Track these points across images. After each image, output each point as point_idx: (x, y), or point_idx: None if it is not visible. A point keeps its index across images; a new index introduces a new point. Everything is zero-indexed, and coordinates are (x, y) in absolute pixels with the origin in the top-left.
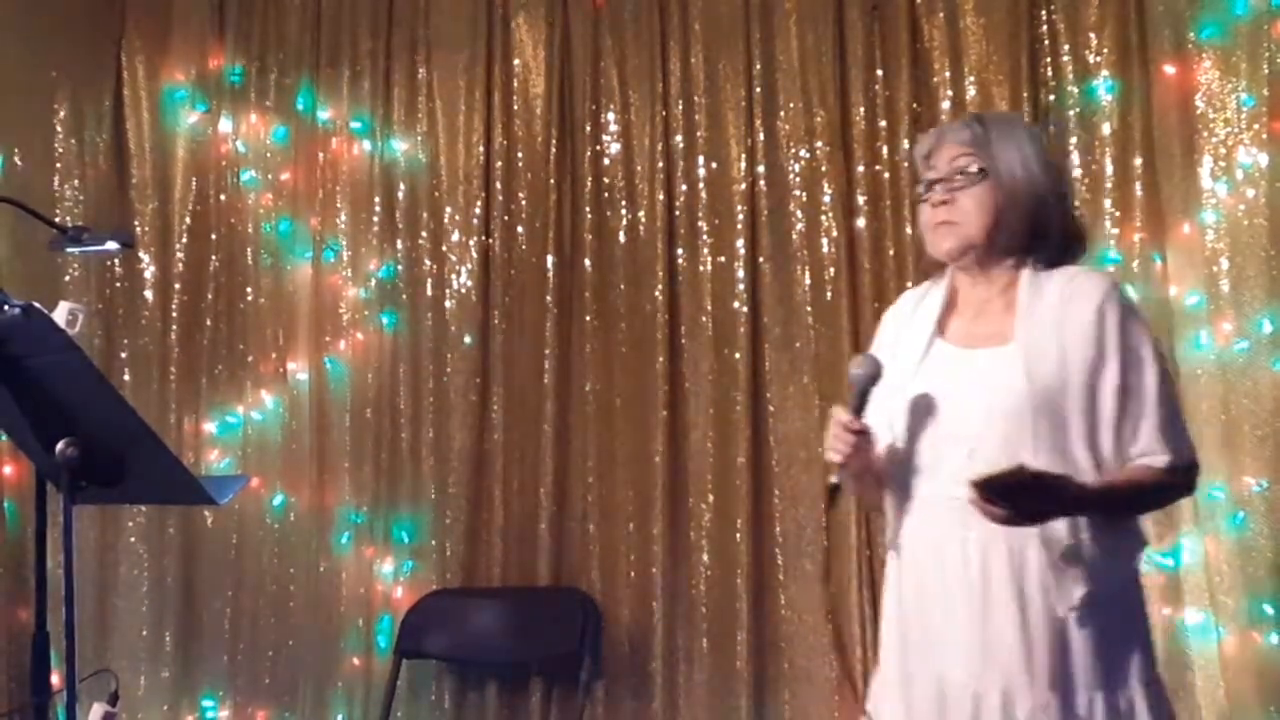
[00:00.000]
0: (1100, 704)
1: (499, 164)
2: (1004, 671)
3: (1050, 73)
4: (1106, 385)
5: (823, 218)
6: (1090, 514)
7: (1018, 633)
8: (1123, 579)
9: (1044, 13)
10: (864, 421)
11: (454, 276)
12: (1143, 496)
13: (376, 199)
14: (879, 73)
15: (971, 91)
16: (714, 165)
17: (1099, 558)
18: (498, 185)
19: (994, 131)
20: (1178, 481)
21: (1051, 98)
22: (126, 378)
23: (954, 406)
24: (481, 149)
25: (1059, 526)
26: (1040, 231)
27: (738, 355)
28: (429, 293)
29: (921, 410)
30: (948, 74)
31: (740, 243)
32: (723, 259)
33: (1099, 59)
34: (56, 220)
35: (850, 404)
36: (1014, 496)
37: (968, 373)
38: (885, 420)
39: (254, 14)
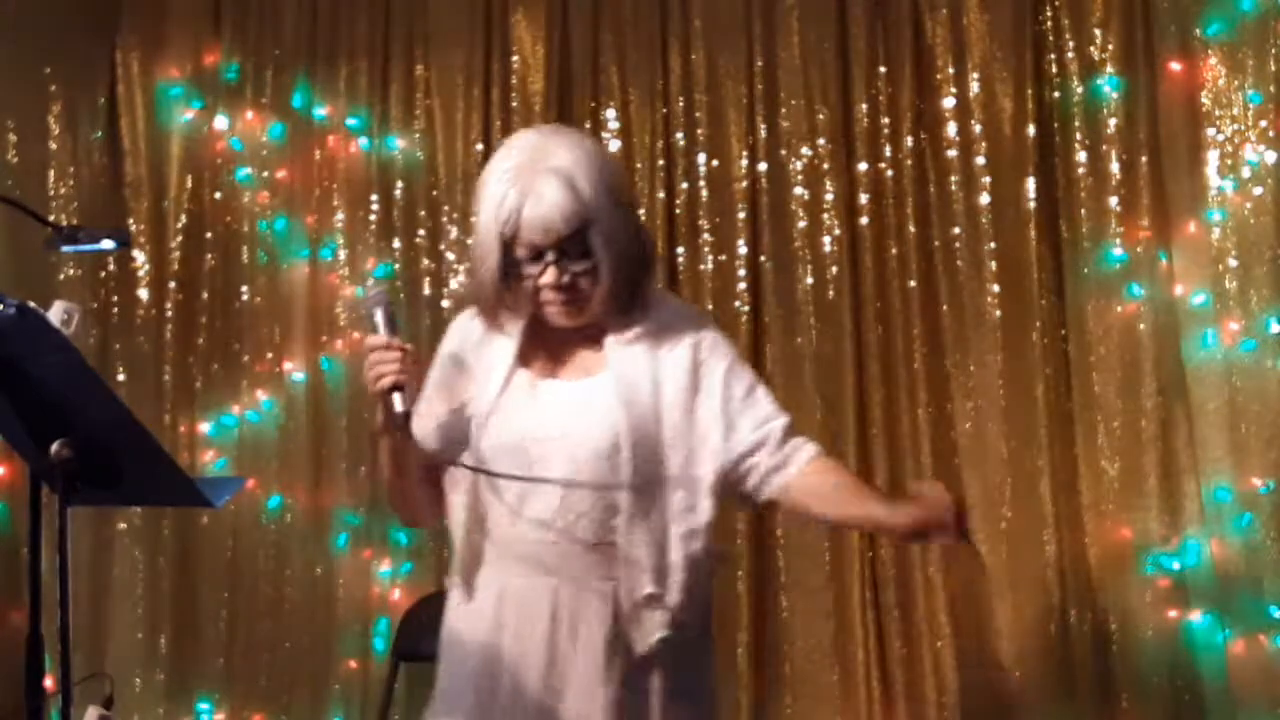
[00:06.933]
0: None
1: None
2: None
3: (1055, 70)
4: (706, 409)
5: (825, 216)
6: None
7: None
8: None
9: (1048, 9)
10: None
11: (452, 276)
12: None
13: (374, 197)
14: (882, 70)
15: (975, 89)
16: (715, 163)
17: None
18: None
19: (590, 198)
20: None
21: (1056, 95)
22: (121, 377)
23: (540, 442)
24: (480, 146)
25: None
26: (643, 275)
27: None
28: (426, 292)
29: (508, 444)
30: (951, 71)
31: (741, 241)
32: (724, 257)
33: (1104, 56)
34: (51, 219)
35: (380, 328)
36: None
37: (553, 404)
38: (469, 455)
39: (250, 10)
